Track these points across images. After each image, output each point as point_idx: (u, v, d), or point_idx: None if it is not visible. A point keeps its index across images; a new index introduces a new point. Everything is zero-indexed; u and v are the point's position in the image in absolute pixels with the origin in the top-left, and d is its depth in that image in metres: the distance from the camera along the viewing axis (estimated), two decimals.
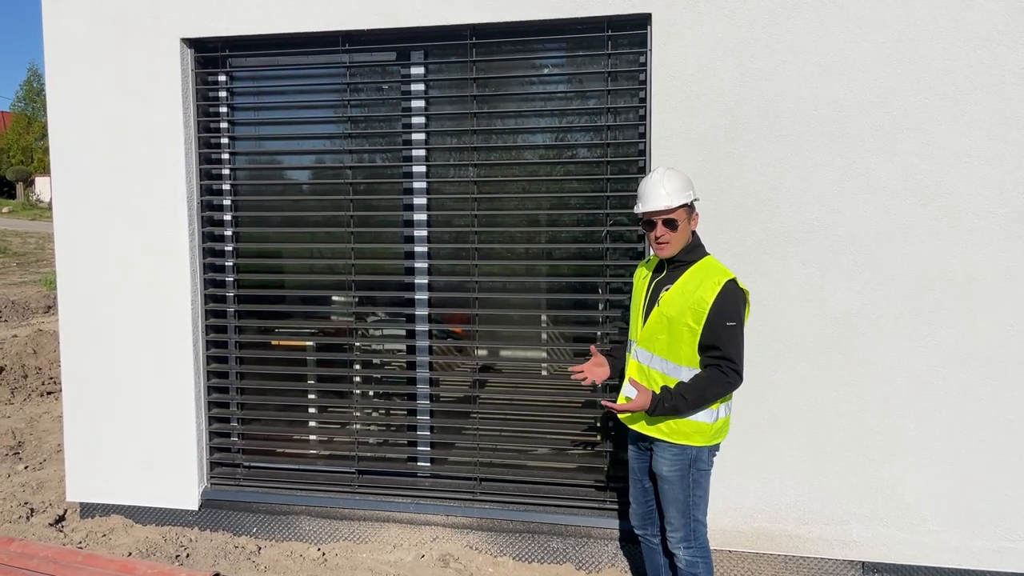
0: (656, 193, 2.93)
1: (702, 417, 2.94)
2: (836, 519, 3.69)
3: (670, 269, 3.03)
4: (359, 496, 4.27)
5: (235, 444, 4.47)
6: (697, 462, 2.99)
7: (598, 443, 4.08)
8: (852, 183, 3.56)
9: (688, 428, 2.95)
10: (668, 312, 2.94)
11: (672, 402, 2.89)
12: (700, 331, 2.88)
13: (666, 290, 2.98)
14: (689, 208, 2.97)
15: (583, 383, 3.28)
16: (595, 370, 3.28)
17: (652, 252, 3.08)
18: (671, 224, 2.93)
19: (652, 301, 3.03)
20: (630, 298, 3.36)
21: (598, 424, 4.09)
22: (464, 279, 4.15)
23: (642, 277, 3.17)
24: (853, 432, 3.65)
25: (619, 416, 3.13)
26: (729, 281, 2.88)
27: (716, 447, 3.07)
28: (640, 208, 2.98)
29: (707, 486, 3.06)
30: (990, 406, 3.53)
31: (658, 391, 2.96)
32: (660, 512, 3.22)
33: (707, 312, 2.85)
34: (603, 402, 3.11)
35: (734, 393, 3.04)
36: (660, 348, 2.98)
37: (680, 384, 2.92)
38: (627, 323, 3.83)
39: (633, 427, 3.10)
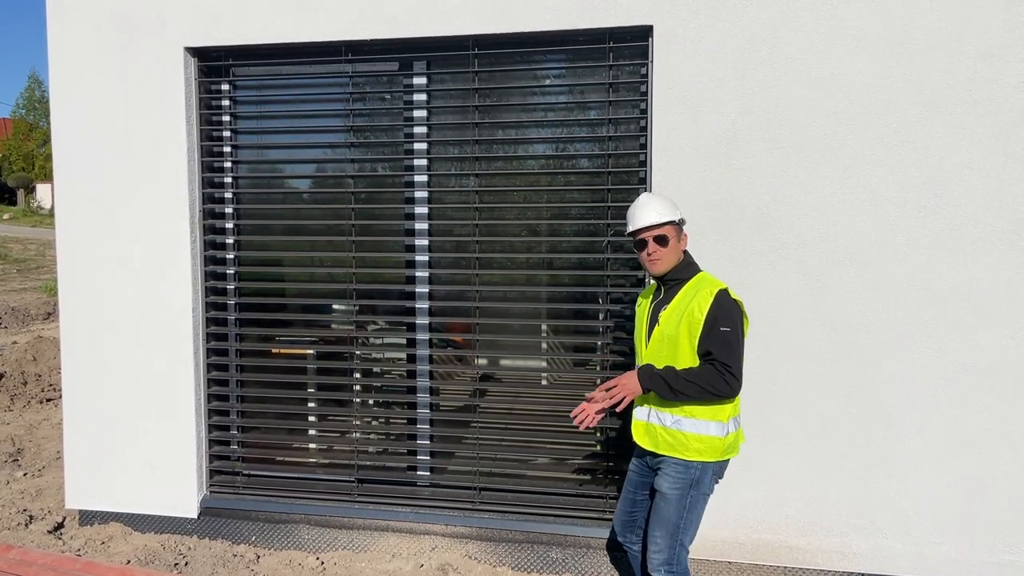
0: (644, 212, 3.03)
1: (715, 431, 2.93)
2: (836, 531, 3.68)
3: (666, 290, 3.07)
4: (358, 505, 4.26)
5: (235, 452, 4.47)
6: (699, 484, 2.97)
7: (598, 453, 4.08)
8: (852, 195, 3.58)
9: (700, 444, 2.94)
10: (667, 330, 2.97)
11: (661, 372, 2.91)
12: (697, 342, 2.90)
13: (664, 309, 3.02)
14: (677, 226, 3.05)
15: (582, 426, 3.09)
16: (595, 413, 3.11)
17: (647, 274, 3.11)
18: (662, 240, 3.00)
19: (652, 323, 3.07)
20: (631, 314, 3.37)
21: (598, 434, 4.09)
22: (465, 288, 4.15)
23: (640, 306, 3.24)
24: (853, 444, 3.65)
25: (634, 436, 3.13)
26: (721, 291, 2.91)
27: (721, 471, 3.04)
28: (631, 227, 3.07)
29: (701, 512, 3.03)
30: (990, 418, 3.53)
31: (664, 411, 2.99)
32: (643, 524, 3.21)
33: (702, 321, 2.88)
34: (603, 388, 3.03)
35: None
36: (662, 365, 2.98)
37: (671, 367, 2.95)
38: (628, 333, 3.85)
39: (642, 444, 3.09)
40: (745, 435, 3.67)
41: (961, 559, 3.59)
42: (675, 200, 3.30)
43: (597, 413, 3.06)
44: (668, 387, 2.89)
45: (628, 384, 2.98)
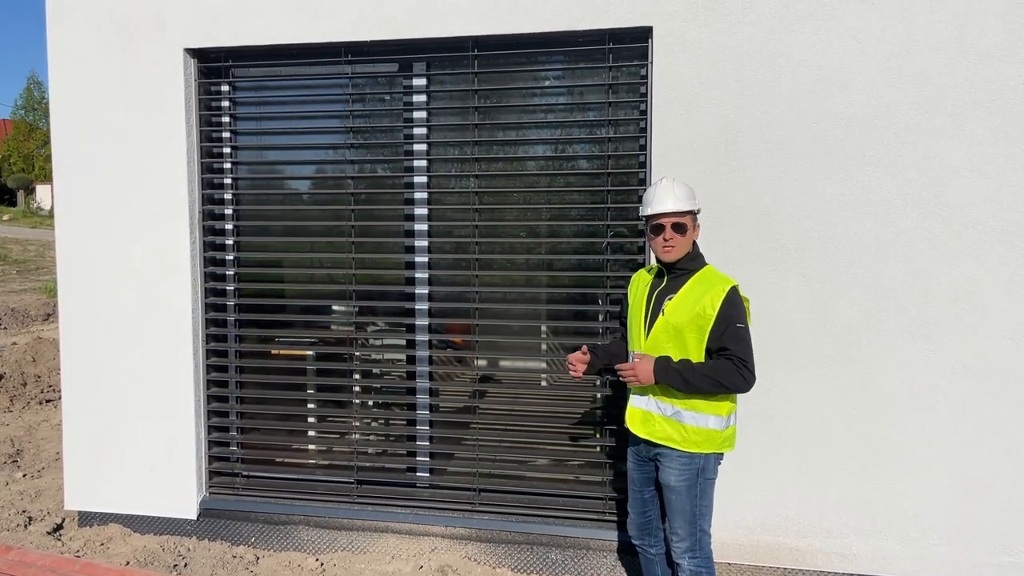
0: (666, 197, 3.01)
1: (713, 424, 2.96)
2: (836, 532, 3.68)
3: (671, 278, 3.05)
4: (358, 506, 4.26)
5: (234, 453, 4.47)
6: (705, 471, 3.00)
7: (598, 454, 4.08)
8: (852, 196, 3.58)
9: (698, 436, 2.96)
10: (673, 321, 2.96)
11: (677, 366, 2.90)
12: (707, 338, 2.91)
13: (669, 299, 3.00)
14: (694, 216, 3.05)
15: (572, 374, 3.29)
16: (578, 364, 3.28)
17: (655, 258, 3.10)
18: (680, 228, 2.99)
19: (655, 311, 3.04)
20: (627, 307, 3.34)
21: (598, 435, 4.09)
22: (464, 289, 4.15)
23: (643, 284, 3.18)
24: (853, 445, 3.65)
25: (628, 423, 3.12)
26: (732, 288, 2.94)
27: (721, 456, 3.08)
28: (650, 211, 3.03)
29: (712, 496, 3.07)
30: (990, 419, 3.53)
31: (664, 400, 2.99)
32: (660, 523, 3.22)
33: (714, 318, 2.89)
34: (616, 368, 3.10)
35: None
36: None
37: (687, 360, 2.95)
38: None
39: (641, 435, 3.09)
40: (744, 435, 3.68)
41: (961, 560, 3.59)
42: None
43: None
44: (683, 380, 2.89)
45: (641, 375, 2.96)
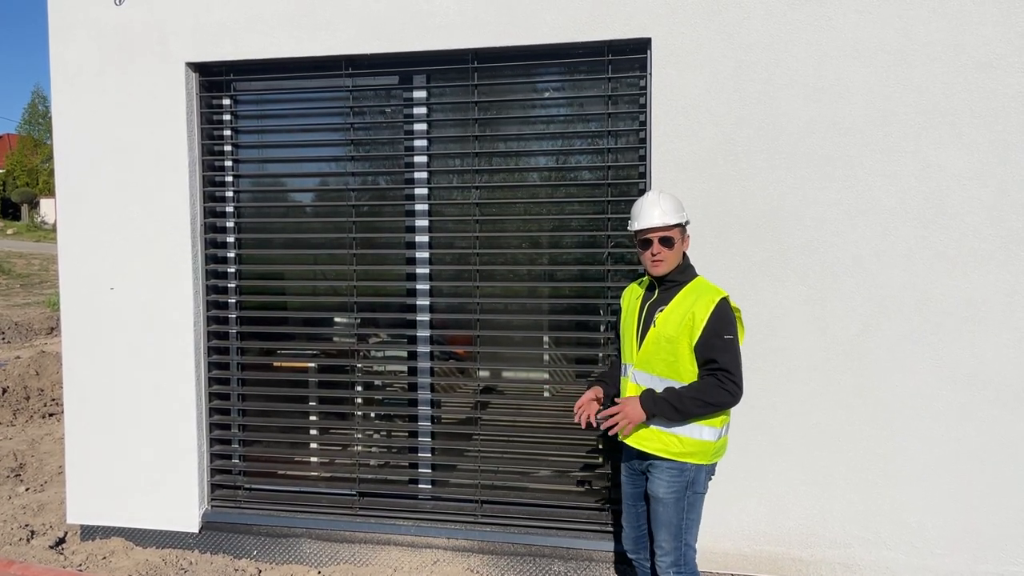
0: (652, 212, 2.99)
1: (706, 435, 2.95)
2: (839, 542, 3.66)
3: (662, 290, 3.05)
4: (360, 519, 4.25)
5: (236, 466, 4.46)
6: (694, 484, 2.98)
7: (600, 465, 4.07)
8: (852, 205, 3.58)
9: (693, 447, 2.95)
10: (665, 332, 2.96)
11: (664, 396, 2.88)
12: (696, 348, 2.90)
13: (660, 311, 3.00)
14: (682, 228, 3.03)
15: (583, 423, 3.23)
16: (593, 405, 3.24)
17: (646, 271, 3.10)
18: (667, 242, 2.97)
19: (647, 323, 3.04)
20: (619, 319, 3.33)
21: (600, 446, 4.08)
22: (466, 300, 4.16)
23: (635, 297, 3.18)
24: (856, 455, 3.63)
25: (621, 436, 3.11)
26: (723, 299, 2.93)
27: (712, 469, 3.06)
28: (637, 226, 3.02)
29: (700, 510, 3.05)
30: (993, 428, 3.52)
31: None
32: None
33: (702, 329, 2.88)
34: (600, 417, 3.05)
35: (737, 414, 3.02)
36: (660, 369, 2.98)
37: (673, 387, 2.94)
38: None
39: (635, 445, 3.07)
40: (746, 444, 3.67)
41: (965, 570, 3.56)
42: (692, 197, 3.28)
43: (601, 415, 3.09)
44: (674, 409, 2.88)
45: (631, 412, 2.94)
